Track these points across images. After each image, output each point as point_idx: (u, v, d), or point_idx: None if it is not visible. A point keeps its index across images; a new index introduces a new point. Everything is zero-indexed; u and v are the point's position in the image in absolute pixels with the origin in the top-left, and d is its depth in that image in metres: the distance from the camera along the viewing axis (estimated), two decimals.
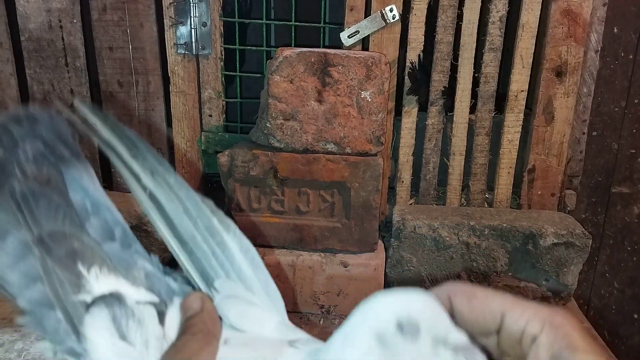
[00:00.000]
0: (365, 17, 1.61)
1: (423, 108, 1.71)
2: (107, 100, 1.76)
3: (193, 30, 1.67)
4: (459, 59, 1.64)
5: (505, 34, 1.62)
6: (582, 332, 0.39)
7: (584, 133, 1.74)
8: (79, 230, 0.49)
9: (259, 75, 1.80)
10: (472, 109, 1.69)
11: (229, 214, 1.30)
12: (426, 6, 1.61)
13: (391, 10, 1.58)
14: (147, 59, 1.73)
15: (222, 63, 1.72)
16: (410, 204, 1.78)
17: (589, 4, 1.58)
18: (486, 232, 1.62)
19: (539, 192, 1.75)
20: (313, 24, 1.73)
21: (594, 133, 1.76)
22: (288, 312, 0.52)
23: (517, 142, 1.70)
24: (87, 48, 1.74)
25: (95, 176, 0.53)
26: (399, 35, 1.63)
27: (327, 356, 0.42)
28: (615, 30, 1.67)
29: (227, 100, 1.78)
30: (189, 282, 0.51)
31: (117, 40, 1.71)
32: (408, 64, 1.65)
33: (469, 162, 1.74)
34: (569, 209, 1.77)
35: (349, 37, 1.61)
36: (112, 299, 0.47)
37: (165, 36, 1.68)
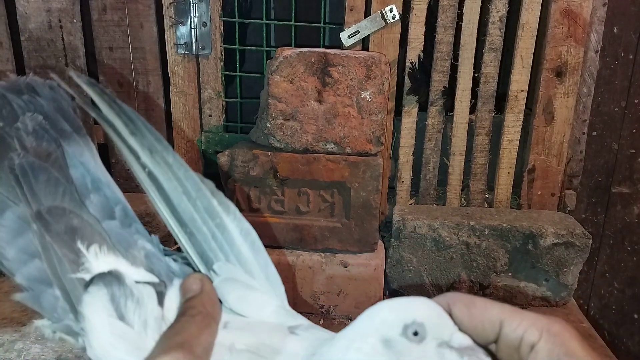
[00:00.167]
0: (365, 17, 1.61)
1: (423, 108, 1.71)
2: None
3: (193, 30, 1.67)
4: (459, 59, 1.64)
5: (505, 34, 1.62)
6: (580, 340, 0.39)
7: (584, 133, 1.74)
8: (79, 207, 0.48)
9: (259, 75, 1.80)
10: (472, 109, 1.69)
11: None
12: (426, 6, 1.61)
13: (391, 10, 1.58)
14: (147, 59, 1.73)
15: (222, 63, 1.73)
16: (410, 204, 1.78)
17: (589, 4, 1.58)
18: (486, 232, 1.62)
19: (539, 192, 1.75)
20: (313, 24, 1.73)
21: (594, 133, 1.76)
22: None
23: (517, 142, 1.70)
24: (87, 48, 1.74)
25: (97, 153, 0.52)
26: (399, 35, 1.63)
27: (331, 355, 0.42)
28: (615, 30, 1.67)
29: (227, 100, 1.78)
30: (189, 263, 0.50)
31: (117, 40, 1.71)
32: (408, 64, 1.65)
33: (469, 162, 1.74)
34: (569, 209, 1.77)
35: (349, 37, 1.61)
36: (111, 278, 0.46)
37: (165, 36, 1.68)
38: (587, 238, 1.59)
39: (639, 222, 1.85)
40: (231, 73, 1.77)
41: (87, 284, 0.46)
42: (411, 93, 1.67)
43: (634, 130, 1.76)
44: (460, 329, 0.42)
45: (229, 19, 1.71)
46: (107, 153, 1.79)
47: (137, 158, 0.46)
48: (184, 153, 1.80)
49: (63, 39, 1.72)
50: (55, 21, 1.70)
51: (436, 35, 1.63)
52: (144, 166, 0.46)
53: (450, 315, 0.43)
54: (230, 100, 1.80)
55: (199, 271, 0.49)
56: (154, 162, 0.47)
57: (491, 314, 0.42)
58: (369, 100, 1.51)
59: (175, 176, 0.47)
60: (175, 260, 0.51)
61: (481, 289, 1.67)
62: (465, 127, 1.70)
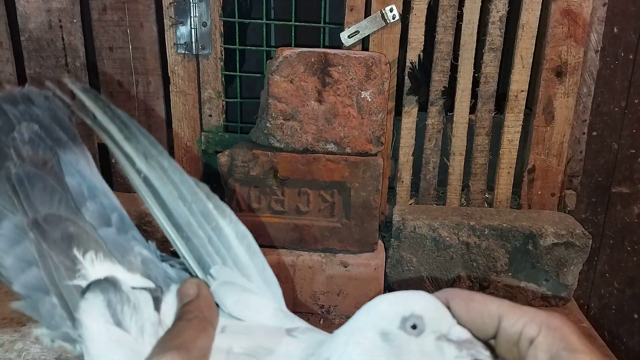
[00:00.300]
0: (365, 17, 1.61)
1: (423, 108, 1.71)
2: None
3: (193, 30, 1.67)
4: (459, 59, 1.64)
5: (505, 34, 1.62)
6: (579, 334, 0.39)
7: (584, 133, 1.74)
8: (75, 214, 0.48)
9: (259, 75, 1.80)
10: (472, 109, 1.69)
11: None
12: (426, 6, 1.61)
13: (391, 10, 1.58)
14: (147, 59, 1.73)
15: (222, 63, 1.73)
16: (410, 204, 1.78)
17: (589, 4, 1.58)
18: (486, 232, 1.62)
19: (539, 192, 1.75)
20: (313, 24, 1.73)
21: (594, 133, 1.76)
22: None
23: (517, 142, 1.70)
24: (87, 48, 1.74)
25: (93, 161, 0.52)
26: (399, 35, 1.63)
27: (330, 354, 0.42)
28: (615, 30, 1.67)
29: (227, 100, 1.78)
30: (186, 269, 0.50)
31: (117, 40, 1.71)
32: (408, 64, 1.65)
33: (469, 162, 1.74)
34: (569, 209, 1.77)
35: (349, 37, 1.61)
36: (108, 285, 0.46)
37: (165, 36, 1.68)
38: (587, 238, 1.59)
39: (639, 222, 1.85)
40: (231, 73, 1.77)
41: (84, 291, 0.46)
42: (411, 93, 1.67)
43: (634, 130, 1.76)
44: (459, 324, 0.42)
45: (229, 19, 1.71)
46: (107, 153, 1.79)
47: (133, 164, 0.47)
48: (184, 153, 1.80)
49: (63, 39, 1.72)
50: (55, 21, 1.70)
51: (436, 35, 1.63)
52: (139, 172, 0.47)
53: (449, 310, 0.43)
54: (230, 100, 1.80)
55: (196, 276, 0.49)
56: (149, 167, 0.47)
57: (490, 309, 0.42)
58: (369, 100, 1.51)
59: (170, 181, 0.47)
60: (172, 265, 0.51)
61: (481, 289, 1.67)
62: (465, 127, 1.70)
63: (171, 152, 1.81)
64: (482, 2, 1.59)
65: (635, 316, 1.93)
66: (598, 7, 1.61)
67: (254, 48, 1.82)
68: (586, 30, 1.61)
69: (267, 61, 1.56)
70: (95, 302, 0.46)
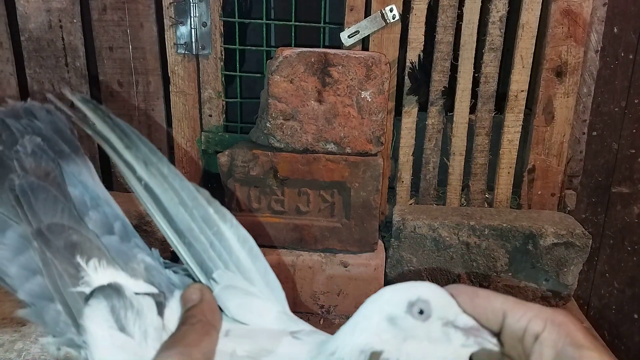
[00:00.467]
0: (365, 17, 1.61)
1: (423, 108, 1.71)
2: (107, 100, 1.76)
3: (193, 30, 1.67)
4: (459, 59, 1.64)
5: (505, 34, 1.62)
6: (584, 330, 0.39)
7: (584, 133, 1.74)
8: (78, 223, 0.49)
9: (259, 75, 1.80)
10: (472, 109, 1.69)
11: None
12: (426, 6, 1.61)
13: (391, 10, 1.58)
14: (147, 59, 1.73)
15: (222, 63, 1.73)
16: (410, 204, 1.78)
17: (589, 4, 1.58)
18: (486, 232, 1.62)
19: (539, 192, 1.75)
20: (313, 24, 1.73)
21: (594, 133, 1.76)
22: None
23: (517, 142, 1.70)
24: (87, 48, 1.74)
25: (95, 171, 0.54)
26: (399, 35, 1.63)
27: (337, 343, 0.42)
28: (615, 30, 1.67)
29: (227, 100, 1.78)
30: (189, 275, 0.51)
31: (117, 40, 1.71)
32: (408, 64, 1.65)
33: (469, 162, 1.74)
34: (569, 209, 1.77)
35: (349, 37, 1.61)
36: (111, 291, 0.47)
37: (165, 36, 1.68)
38: (587, 238, 1.59)
39: (639, 222, 1.85)
40: (231, 73, 1.77)
41: (88, 297, 0.47)
42: (411, 93, 1.67)
43: (634, 130, 1.76)
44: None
45: (229, 19, 1.71)
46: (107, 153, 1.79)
47: (134, 171, 0.48)
48: (184, 153, 1.80)
49: (63, 39, 1.71)
50: (55, 21, 1.70)
51: (436, 35, 1.63)
52: (140, 179, 0.48)
53: None
54: (230, 100, 1.80)
55: (199, 281, 0.50)
56: (150, 174, 0.48)
57: (494, 304, 0.42)
58: (369, 100, 1.51)
59: (171, 187, 0.48)
60: (175, 272, 0.52)
61: None
62: (465, 127, 1.70)
63: (171, 152, 1.81)
64: (482, 2, 1.59)
65: (635, 316, 1.93)
66: (598, 7, 1.61)
67: (254, 48, 1.82)
68: (586, 30, 1.61)
69: (267, 61, 1.56)
70: (98, 308, 0.46)
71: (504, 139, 1.70)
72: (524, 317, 0.41)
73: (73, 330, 0.47)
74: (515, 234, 1.61)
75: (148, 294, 0.49)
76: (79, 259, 0.48)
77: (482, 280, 1.66)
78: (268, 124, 1.52)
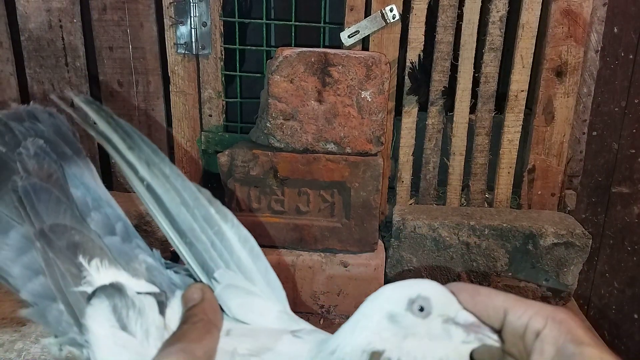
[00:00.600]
0: (365, 17, 1.61)
1: (423, 108, 1.71)
2: (107, 100, 1.76)
3: (193, 30, 1.67)
4: (459, 59, 1.64)
5: (505, 34, 1.62)
6: (585, 327, 0.39)
7: (584, 133, 1.74)
8: (80, 223, 0.50)
9: (259, 75, 1.80)
10: (472, 109, 1.69)
11: None
12: (426, 6, 1.61)
13: (391, 10, 1.58)
14: (147, 58, 1.73)
15: (222, 63, 1.73)
16: (410, 204, 1.78)
17: (589, 4, 1.58)
18: (486, 232, 1.62)
19: (539, 192, 1.75)
20: (313, 24, 1.73)
21: (594, 133, 1.76)
22: None
23: (517, 142, 1.70)
24: (87, 48, 1.74)
25: (97, 173, 0.54)
26: (399, 35, 1.63)
27: (338, 342, 0.42)
28: (615, 30, 1.67)
29: (227, 100, 1.78)
30: (191, 275, 0.51)
31: (117, 40, 1.71)
32: (408, 64, 1.65)
33: (469, 162, 1.74)
34: (569, 209, 1.77)
35: (349, 37, 1.61)
36: (113, 290, 0.48)
37: (165, 36, 1.68)
38: (587, 238, 1.59)
39: (639, 222, 1.85)
40: (231, 73, 1.77)
41: (90, 297, 0.47)
42: (411, 93, 1.67)
43: (634, 130, 1.76)
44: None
45: (229, 19, 1.71)
46: (107, 153, 1.79)
47: (136, 172, 0.48)
48: (184, 153, 1.80)
49: (63, 38, 1.71)
50: (55, 21, 1.70)
51: (436, 35, 1.63)
52: (142, 179, 0.48)
53: None
54: (230, 100, 1.80)
55: (201, 281, 0.50)
56: (152, 175, 0.48)
57: (496, 302, 0.42)
58: (369, 100, 1.51)
59: (173, 187, 0.49)
60: (177, 272, 0.52)
61: None
62: (465, 127, 1.70)
63: (171, 152, 1.81)
64: (482, 2, 1.59)
65: (635, 316, 1.93)
66: (598, 7, 1.61)
67: (254, 48, 1.82)
68: (586, 30, 1.61)
69: (267, 61, 1.56)
70: (100, 307, 0.47)
71: (504, 139, 1.70)
72: (525, 314, 0.41)
73: (75, 330, 0.47)
74: (515, 234, 1.61)
75: (150, 294, 0.49)
76: (81, 259, 0.48)
77: (482, 280, 1.66)
78: (268, 124, 1.52)
